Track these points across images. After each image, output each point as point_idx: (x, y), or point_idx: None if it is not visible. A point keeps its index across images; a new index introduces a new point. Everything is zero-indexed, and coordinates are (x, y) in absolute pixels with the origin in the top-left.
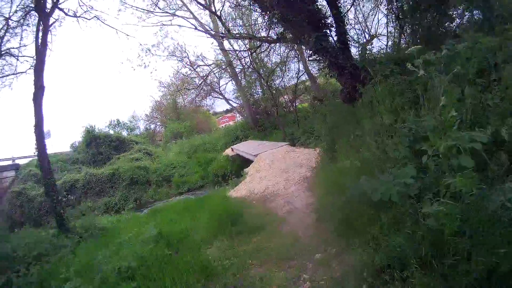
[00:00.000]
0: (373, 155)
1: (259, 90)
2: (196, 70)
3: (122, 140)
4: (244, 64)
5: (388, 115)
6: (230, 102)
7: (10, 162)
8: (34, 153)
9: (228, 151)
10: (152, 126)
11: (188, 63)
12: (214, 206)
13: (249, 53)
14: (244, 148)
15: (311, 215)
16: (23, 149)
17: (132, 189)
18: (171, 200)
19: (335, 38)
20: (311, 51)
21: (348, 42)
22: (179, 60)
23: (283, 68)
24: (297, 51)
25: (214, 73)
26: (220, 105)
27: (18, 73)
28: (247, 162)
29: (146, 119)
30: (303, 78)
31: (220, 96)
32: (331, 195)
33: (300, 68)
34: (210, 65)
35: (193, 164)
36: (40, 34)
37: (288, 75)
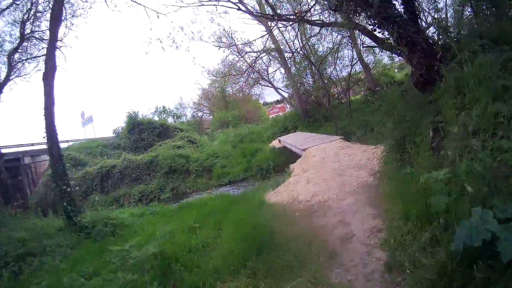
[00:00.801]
0: (483, 167)
1: (310, 79)
2: (244, 57)
3: (165, 127)
4: (294, 50)
5: (502, 105)
6: (279, 91)
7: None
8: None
9: (275, 143)
10: (200, 114)
11: (235, 50)
12: (244, 216)
13: (298, 25)
14: (292, 140)
15: (377, 254)
16: (68, 133)
17: (170, 178)
18: (208, 193)
19: (402, 7)
20: (374, 25)
21: (418, 12)
22: (226, 47)
23: (335, 55)
24: (350, 38)
25: (261, 59)
26: (271, 95)
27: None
28: (294, 155)
29: (193, 106)
30: (356, 68)
31: (269, 85)
32: (409, 222)
33: (354, 56)
34: (258, 52)
35: (237, 154)
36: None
37: (340, 63)
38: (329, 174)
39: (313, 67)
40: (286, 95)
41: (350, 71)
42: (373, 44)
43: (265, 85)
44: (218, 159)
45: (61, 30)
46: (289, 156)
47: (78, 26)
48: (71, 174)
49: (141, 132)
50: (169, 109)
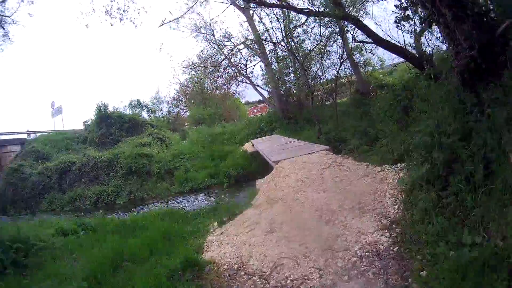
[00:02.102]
0: None
1: (292, 77)
2: (222, 50)
3: (135, 122)
4: (276, 41)
5: None
6: (258, 88)
7: (20, 136)
8: None
9: (248, 146)
10: (176, 109)
11: (213, 41)
12: None
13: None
14: (265, 146)
15: None
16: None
17: (129, 180)
18: (163, 203)
19: None
20: None
21: None
22: (203, 39)
23: (322, 50)
24: (340, 32)
25: (240, 53)
26: (254, 95)
27: None
28: (267, 163)
29: (170, 101)
30: (345, 67)
31: (247, 81)
32: None
33: (344, 53)
34: (237, 45)
35: (204, 157)
36: None
37: (328, 60)
38: (308, 218)
39: (296, 64)
40: (266, 93)
41: (339, 68)
42: (367, 40)
43: (243, 81)
44: (183, 161)
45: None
46: (262, 163)
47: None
48: (31, 170)
49: (109, 126)
50: (144, 102)
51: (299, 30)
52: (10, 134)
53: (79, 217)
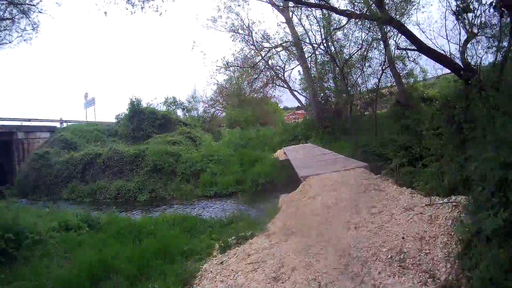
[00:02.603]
0: None
1: (332, 84)
2: (260, 52)
3: (168, 119)
4: (315, 44)
5: None
6: (295, 93)
7: (52, 124)
8: None
9: (280, 153)
10: (212, 110)
11: (251, 42)
12: None
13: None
14: (297, 155)
15: None
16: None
17: (152, 178)
18: (181, 207)
19: None
20: None
21: None
22: (241, 40)
23: (363, 56)
24: (382, 37)
25: (278, 55)
26: (292, 101)
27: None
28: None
29: (206, 101)
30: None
31: (284, 85)
32: None
33: (385, 60)
34: (275, 47)
35: (234, 160)
36: None
37: (368, 67)
38: (328, 267)
39: (336, 70)
40: (302, 99)
41: (380, 75)
42: (410, 47)
43: (280, 85)
44: (211, 163)
45: None
46: (292, 174)
47: None
48: (57, 158)
49: (141, 121)
50: (179, 100)
51: (339, 34)
52: (43, 121)
53: (90, 212)
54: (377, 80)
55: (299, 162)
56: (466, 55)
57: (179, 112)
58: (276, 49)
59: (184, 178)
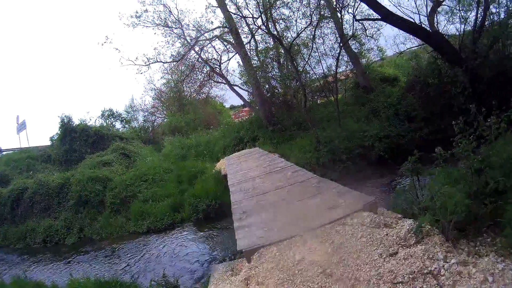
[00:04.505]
0: None
1: (277, 71)
2: (192, 44)
3: (101, 135)
4: (253, 26)
5: None
6: (237, 88)
7: None
8: None
9: (222, 164)
10: (153, 118)
11: (181, 35)
12: None
13: None
14: (238, 168)
15: None
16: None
17: (79, 212)
18: (106, 253)
19: None
20: None
21: None
22: (169, 34)
23: (313, 34)
24: (338, 9)
25: (210, 44)
26: (239, 99)
27: None
28: None
29: (145, 109)
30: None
31: (221, 80)
32: None
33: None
34: (210, 39)
35: (170, 179)
36: None
37: (318, 49)
38: None
39: (280, 55)
40: (245, 95)
41: (339, 54)
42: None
43: (218, 81)
44: (144, 186)
45: None
46: None
47: None
48: None
49: (72, 141)
50: (117, 112)
51: (283, 10)
52: None
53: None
54: (329, 63)
55: (238, 194)
56: (434, 22)
57: (118, 125)
58: (206, 37)
59: (114, 209)
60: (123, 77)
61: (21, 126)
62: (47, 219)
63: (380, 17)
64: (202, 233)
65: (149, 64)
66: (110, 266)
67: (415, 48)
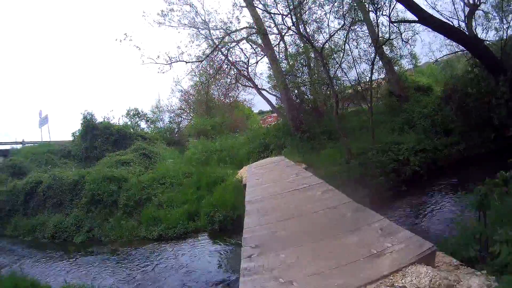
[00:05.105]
0: None
1: (306, 76)
2: (219, 45)
3: (123, 134)
4: (282, 27)
5: None
6: (264, 93)
7: (6, 147)
8: None
9: (245, 171)
10: (179, 119)
11: (208, 36)
12: None
13: None
14: (259, 181)
15: None
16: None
17: (91, 211)
18: (110, 260)
19: None
20: None
21: None
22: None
23: (346, 35)
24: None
25: (237, 45)
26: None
27: None
28: None
29: (174, 110)
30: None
31: (248, 83)
32: None
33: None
34: (238, 41)
35: (188, 184)
36: None
37: (351, 52)
38: None
39: (311, 59)
40: (273, 100)
41: (374, 58)
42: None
43: (245, 85)
44: (161, 189)
45: None
46: None
47: None
48: (2, 187)
49: (94, 138)
50: (142, 112)
51: (315, 10)
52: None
53: None
54: (362, 69)
55: (254, 216)
56: (472, 27)
57: (143, 125)
58: (233, 38)
59: (126, 211)
60: (151, 77)
61: (43, 120)
62: (58, 214)
63: (417, 19)
64: (215, 246)
65: (171, 63)
66: (113, 272)
67: (452, 55)
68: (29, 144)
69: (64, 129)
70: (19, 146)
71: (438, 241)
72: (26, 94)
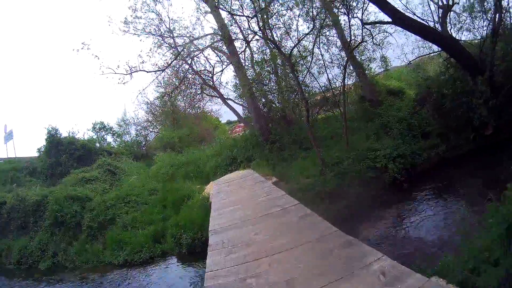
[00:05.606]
0: None
1: (273, 84)
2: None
3: (88, 149)
4: (247, 31)
5: None
6: (230, 102)
7: None
8: None
9: (211, 188)
10: (146, 132)
11: (172, 44)
12: None
13: None
14: (226, 201)
15: None
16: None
17: (54, 234)
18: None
19: None
20: None
21: None
22: (160, 41)
23: (315, 39)
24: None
25: (202, 53)
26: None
27: None
28: None
29: (140, 123)
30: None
31: (213, 92)
32: None
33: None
34: (190, 37)
35: (154, 202)
36: None
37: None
38: None
39: (277, 66)
40: (240, 109)
41: (346, 62)
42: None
43: (209, 94)
44: (126, 208)
45: None
46: None
47: None
48: None
49: (59, 154)
50: (108, 125)
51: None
52: None
53: None
54: (332, 74)
55: (218, 256)
56: (447, 27)
57: (109, 139)
58: (196, 45)
59: (90, 233)
60: (117, 90)
61: (8, 136)
62: (23, 238)
63: (391, 20)
64: (183, 272)
65: (131, 73)
66: None
67: (423, 57)
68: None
69: (30, 144)
70: None
71: (432, 258)
72: None
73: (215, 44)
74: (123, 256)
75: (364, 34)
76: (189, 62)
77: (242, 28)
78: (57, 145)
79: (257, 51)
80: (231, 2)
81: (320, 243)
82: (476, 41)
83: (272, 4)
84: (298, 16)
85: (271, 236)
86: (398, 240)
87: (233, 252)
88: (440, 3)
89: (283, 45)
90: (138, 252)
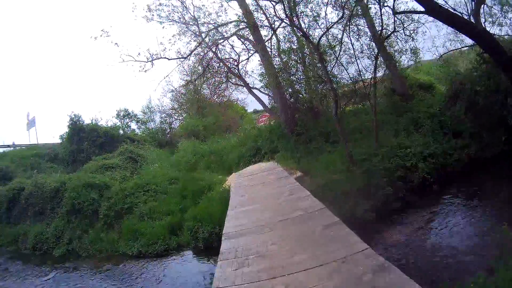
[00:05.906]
0: None
1: (301, 74)
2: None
3: (111, 136)
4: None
5: None
6: (256, 91)
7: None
8: None
9: (233, 179)
10: (171, 120)
11: (197, 32)
12: None
13: None
14: (244, 199)
15: None
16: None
17: (71, 222)
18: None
19: None
20: None
21: None
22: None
23: (344, 27)
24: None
25: (226, 40)
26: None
27: None
28: None
29: (165, 111)
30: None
31: (239, 81)
32: None
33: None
34: (216, 24)
35: (173, 192)
36: None
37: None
38: None
39: (305, 55)
40: (266, 98)
41: (378, 53)
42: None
43: (234, 83)
44: (145, 197)
45: None
46: None
47: None
48: None
49: (81, 141)
50: (133, 113)
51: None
52: None
53: None
54: (361, 66)
55: (228, 268)
56: (480, 20)
57: (134, 126)
58: (220, 32)
59: (107, 222)
60: (142, 77)
61: (31, 123)
62: (39, 224)
63: (424, 10)
64: (198, 268)
65: (152, 60)
66: None
67: (454, 51)
68: (20, 147)
69: (53, 131)
70: (8, 150)
71: (461, 271)
72: (13, 96)
73: (240, 31)
74: (138, 247)
75: (395, 24)
76: (214, 50)
77: (267, 15)
78: (79, 132)
79: (283, 39)
80: None
81: (347, 265)
82: (507, 36)
83: None
84: (327, 4)
85: (290, 248)
86: (425, 248)
87: (245, 265)
88: None
89: (310, 33)
90: (153, 244)
